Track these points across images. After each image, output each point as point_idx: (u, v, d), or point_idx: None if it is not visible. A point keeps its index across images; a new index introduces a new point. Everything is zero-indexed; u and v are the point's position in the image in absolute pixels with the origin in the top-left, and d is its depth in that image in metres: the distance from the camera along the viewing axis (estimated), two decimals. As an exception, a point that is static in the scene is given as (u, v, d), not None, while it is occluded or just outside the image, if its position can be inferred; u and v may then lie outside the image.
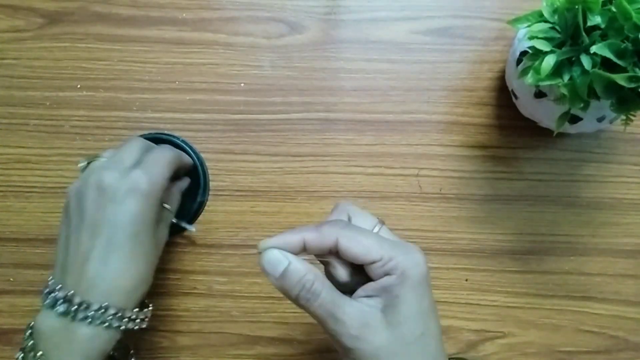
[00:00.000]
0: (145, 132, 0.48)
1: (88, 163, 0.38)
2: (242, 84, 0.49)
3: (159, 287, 0.48)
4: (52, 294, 0.34)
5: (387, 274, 0.29)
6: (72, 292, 0.34)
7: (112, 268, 0.34)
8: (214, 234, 0.48)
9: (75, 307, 0.33)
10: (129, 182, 0.35)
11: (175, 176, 0.42)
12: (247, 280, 0.48)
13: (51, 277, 0.36)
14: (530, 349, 0.48)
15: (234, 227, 0.48)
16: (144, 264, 0.36)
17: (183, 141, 0.48)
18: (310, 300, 0.29)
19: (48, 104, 0.49)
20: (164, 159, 0.39)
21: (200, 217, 0.48)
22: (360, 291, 0.30)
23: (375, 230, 0.32)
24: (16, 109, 0.49)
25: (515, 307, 0.48)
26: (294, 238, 0.30)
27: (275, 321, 0.48)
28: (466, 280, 0.48)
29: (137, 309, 0.36)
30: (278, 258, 0.30)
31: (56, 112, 0.49)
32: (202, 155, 0.48)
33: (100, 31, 0.49)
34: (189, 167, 0.46)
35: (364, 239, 0.30)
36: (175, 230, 0.46)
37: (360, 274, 0.31)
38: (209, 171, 0.48)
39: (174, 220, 0.44)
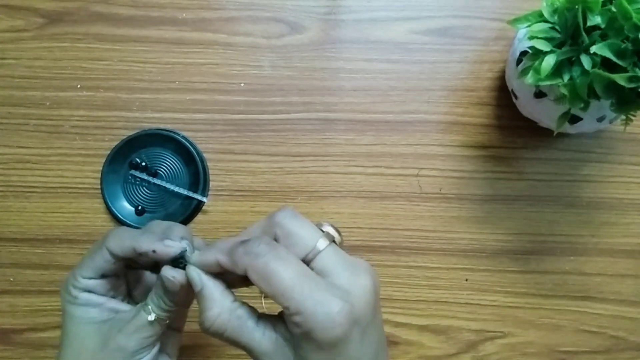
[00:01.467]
0: (153, 129, 0.48)
1: None
2: (242, 84, 0.49)
3: (159, 287, 0.48)
4: None
5: (294, 323, 0.26)
6: None
7: None
8: (214, 234, 0.48)
9: None
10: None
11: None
12: (247, 280, 0.48)
13: None
14: (530, 349, 0.48)
15: (234, 227, 0.48)
16: None
17: (184, 137, 0.48)
18: (217, 333, 0.28)
19: (48, 104, 0.49)
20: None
21: (201, 217, 0.48)
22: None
23: (318, 249, 0.27)
24: (16, 109, 0.49)
25: (515, 307, 0.48)
26: (209, 258, 0.29)
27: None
28: (466, 280, 0.48)
29: None
30: (194, 279, 0.29)
31: (56, 112, 0.49)
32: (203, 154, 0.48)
33: (100, 31, 0.49)
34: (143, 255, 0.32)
35: (275, 278, 0.26)
36: (189, 206, 0.47)
37: None
38: (209, 170, 0.48)
39: (186, 193, 0.46)
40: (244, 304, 0.29)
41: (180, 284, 0.30)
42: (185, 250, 0.31)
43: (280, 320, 0.28)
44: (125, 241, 0.31)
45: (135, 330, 0.31)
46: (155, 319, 0.31)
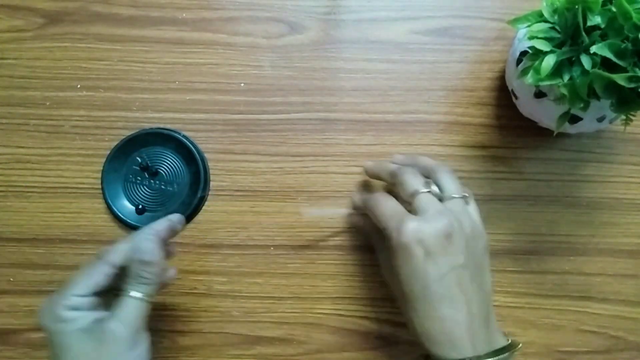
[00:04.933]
0: (154, 128, 0.48)
1: None
2: (242, 84, 0.49)
3: (159, 287, 0.48)
4: None
5: (387, 236, 0.36)
6: None
7: None
8: (214, 234, 0.48)
9: None
10: None
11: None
12: (247, 280, 0.48)
13: None
14: (530, 349, 0.48)
15: (234, 227, 0.48)
16: None
17: (184, 136, 0.48)
18: None
19: (48, 104, 0.49)
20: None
21: (201, 217, 0.48)
22: None
23: (417, 191, 0.37)
24: (16, 109, 0.49)
25: (515, 307, 0.48)
26: (357, 200, 0.44)
27: (275, 321, 0.48)
28: (466, 280, 0.48)
29: None
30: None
31: (56, 112, 0.49)
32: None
33: (100, 31, 0.49)
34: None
35: (377, 209, 0.38)
36: (190, 206, 0.47)
37: None
38: (209, 170, 0.48)
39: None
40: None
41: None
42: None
43: None
44: (121, 246, 0.37)
45: (126, 315, 0.34)
46: (142, 297, 0.35)
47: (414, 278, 0.35)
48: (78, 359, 0.33)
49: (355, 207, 0.45)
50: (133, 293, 0.35)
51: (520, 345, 0.37)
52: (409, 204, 0.38)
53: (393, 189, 0.40)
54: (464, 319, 0.34)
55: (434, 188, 0.38)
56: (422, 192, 0.37)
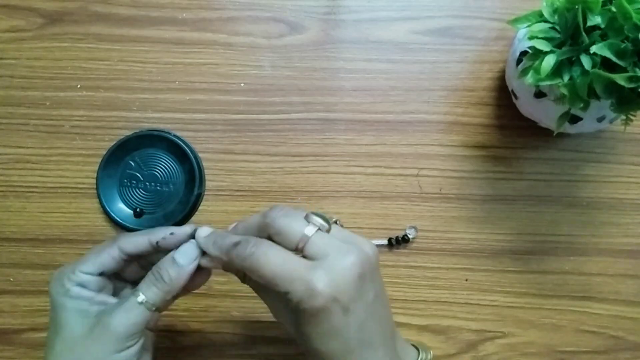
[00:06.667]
0: (144, 130, 0.48)
1: None
2: (242, 84, 0.49)
3: (159, 287, 0.48)
4: None
5: (288, 300, 0.30)
6: None
7: None
8: (214, 234, 0.48)
9: None
10: None
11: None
12: (247, 280, 0.48)
13: None
14: (530, 349, 0.48)
15: (234, 227, 0.48)
16: None
17: (175, 136, 0.48)
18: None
19: (48, 104, 0.49)
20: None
21: (201, 217, 0.48)
22: None
23: (305, 238, 0.31)
24: (16, 109, 0.49)
25: (515, 307, 0.48)
26: (213, 252, 0.33)
27: (275, 321, 0.48)
28: (466, 280, 0.48)
29: None
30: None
31: (56, 112, 0.49)
32: (202, 154, 0.48)
33: (100, 31, 0.49)
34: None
35: (264, 270, 0.30)
36: (187, 205, 0.47)
37: None
38: (209, 171, 0.48)
39: None
40: None
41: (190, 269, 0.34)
42: (196, 229, 0.35)
43: None
44: (138, 237, 0.36)
45: (125, 313, 0.33)
46: (144, 302, 0.33)
47: (331, 337, 0.30)
48: (68, 339, 0.33)
49: (215, 259, 0.34)
50: (141, 297, 0.33)
51: (430, 350, 0.37)
52: (298, 252, 0.31)
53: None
54: (384, 354, 0.32)
55: (316, 219, 0.32)
56: (311, 237, 0.31)
